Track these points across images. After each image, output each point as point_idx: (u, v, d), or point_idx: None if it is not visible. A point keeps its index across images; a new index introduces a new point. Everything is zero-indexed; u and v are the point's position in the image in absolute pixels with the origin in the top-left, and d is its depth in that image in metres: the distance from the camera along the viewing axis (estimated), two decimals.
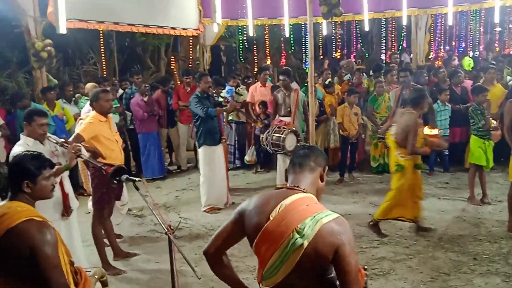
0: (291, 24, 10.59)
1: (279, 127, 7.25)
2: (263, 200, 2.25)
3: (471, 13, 17.62)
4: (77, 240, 4.72)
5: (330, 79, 9.28)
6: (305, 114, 7.51)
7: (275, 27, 13.62)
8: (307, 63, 9.56)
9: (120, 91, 9.38)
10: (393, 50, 16.66)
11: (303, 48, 16.14)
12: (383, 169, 8.36)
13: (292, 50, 16.47)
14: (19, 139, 4.36)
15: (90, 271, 3.10)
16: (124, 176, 3.81)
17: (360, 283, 2.18)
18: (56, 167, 3.56)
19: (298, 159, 2.33)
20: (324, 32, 12.40)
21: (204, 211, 6.82)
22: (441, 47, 18.47)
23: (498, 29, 18.59)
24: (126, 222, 6.41)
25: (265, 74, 9.07)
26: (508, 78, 9.59)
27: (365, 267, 2.52)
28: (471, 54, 18.00)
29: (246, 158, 8.72)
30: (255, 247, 2.20)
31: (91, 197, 5.39)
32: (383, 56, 17.31)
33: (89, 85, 7.71)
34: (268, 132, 7.31)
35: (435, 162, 8.30)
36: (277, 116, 7.59)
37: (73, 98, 8.33)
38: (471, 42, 19.56)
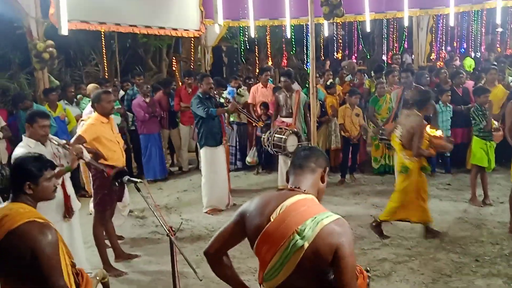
0: (293, 25, 10.61)
1: (280, 128, 7.25)
2: (263, 201, 2.25)
3: (473, 13, 17.61)
4: (78, 242, 4.74)
5: (331, 80, 9.28)
6: (306, 115, 7.50)
7: (277, 28, 13.62)
8: (308, 64, 9.58)
9: (122, 92, 9.38)
10: (395, 51, 16.67)
11: (305, 49, 16.16)
12: (384, 170, 8.37)
13: (294, 51, 16.49)
14: (21, 140, 4.37)
15: (91, 273, 3.10)
16: (126, 178, 3.82)
17: (356, 285, 2.17)
18: (58, 168, 3.56)
19: (298, 160, 2.33)
20: (326, 33, 12.42)
21: (206, 212, 6.82)
22: (443, 48, 18.48)
23: (499, 29, 18.60)
24: (127, 224, 6.42)
25: (266, 75, 9.07)
26: (510, 79, 9.58)
27: (368, 268, 2.52)
28: (472, 54, 18.00)
29: (248, 159, 8.72)
30: (256, 249, 2.21)
31: (92, 199, 5.40)
32: (384, 57, 17.31)
33: (91, 86, 7.72)
34: (270, 132, 7.31)
35: (437, 163, 8.29)
36: (278, 117, 7.60)
37: (75, 99, 8.34)
38: (472, 42, 19.56)
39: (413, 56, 12.22)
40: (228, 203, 7.00)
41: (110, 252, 5.22)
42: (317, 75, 8.46)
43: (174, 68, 14.66)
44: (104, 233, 5.24)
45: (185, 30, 9.99)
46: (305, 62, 16.31)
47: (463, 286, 4.49)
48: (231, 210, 6.76)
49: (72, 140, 4.86)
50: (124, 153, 5.35)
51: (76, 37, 11.06)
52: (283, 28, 11.48)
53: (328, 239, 2.06)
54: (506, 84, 8.82)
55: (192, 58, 13.93)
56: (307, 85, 8.08)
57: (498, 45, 18.64)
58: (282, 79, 7.77)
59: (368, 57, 18.16)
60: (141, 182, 3.68)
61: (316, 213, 2.13)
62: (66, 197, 4.45)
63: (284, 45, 15.99)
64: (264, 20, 10.32)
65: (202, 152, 6.90)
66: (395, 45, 17.67)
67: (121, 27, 8.81)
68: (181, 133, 9.17)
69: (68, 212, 4.47)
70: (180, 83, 12.46)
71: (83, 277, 2.85)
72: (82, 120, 5.79)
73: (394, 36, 17.60)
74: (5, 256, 2.52)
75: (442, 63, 14.34)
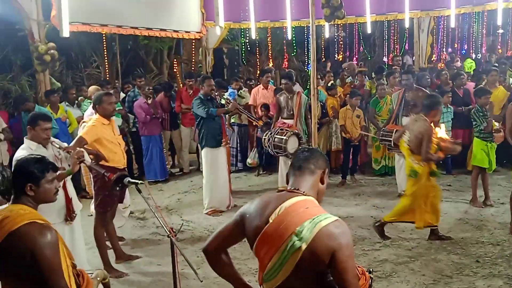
0: (294, 26, 10.60)
1: (281, 129, 7.26)
2: (263, 203, 2.26)
3: (474, 15, 17.62)
4: (80, 243, 4.75)
5: (332, 82, 9.28)
6: (307, 116, 7.51)
7: (278, 30, 13.64)
8: (309, 66, 9.58)
9: (122, 94, 9.40)
10: (396, 53, 16.67)
11: (306, 51, 16.16)
12: (385, 172, 8.37)
13: (295, 53, 16.49)
14: (24, 142, 4.39)
15: (92, 273, 3.11)
16: (127, 179, 3.83)
17: (359, 286, 2.17)
18: (59, 172, 3.57)
19: (298, 162, 2.34)
20: (327, 34, 12.44)
21: (207, 213, 6.83)
22: (444, 49, 18.48)
23: (500, 31, 18.60)
24: (128, 225, 6.43)
25: (267, 77, 9.08)
26: (511, 80, 9.58)
27: (371, 269, 2.52)
28: (473, 56, 18.00)
29: (248, 160, 8.73)
30: (255, 250, 2.21)
31: (93, 200, 5.41)
32: (385, 59, 17.33)
33: (92, 88, 7.73)
34: (271, 133, 7.32)
35: (438, 164, 8.26)
36: (280, 118, 7.60)
37: (76, 101, 8.36)
38: (473, 44, 19.57)
39: (414, 57, 12.20)
40: (229, 204, 7.00)
41: (110, 253, 5.23)
42: (318, 77, 8.47)
43: (175, 70, 14.67)
44: (105, 234, 5.24)
45: (186, 32, 10.00)
46: (306, 63, 16.31)
47: (463, 287, 4.49)
48: (231, 211, 6.77)
49: (73, 142, 4.89)
50: (125, 155, 5.37)
51: (78, 39, 11.08)
52: (284, 30, 11.51)
53: (326, 241, 2.06)
54: (507, 86, 8.83)
55: (193, 60, 13.95)
56: (308, 87, 8.09)
57: (499, 47, 18.64)
58: (283, 81, 7.78)
59: (369, 58, 18.17)
60: (142, 183, 3.69)
61: (314, 215, 2.13)
62: (68, 199, 4.47)
63: (285, 47, 15.99)
64: (265, 22, 10.33)
65: (203, 153, 6.91)
66: (396, 46, 17.70)
67: (122, 29, 8.82)
68: (182, 134, 9.18)
69: (69, 214, 4.48)
70: (181, 85, 12.47)
71: (84, 278, 2.85)
72: (83, 121, 5.81)
73: (395, 37, 17.63)
74: (5, 257, 2.53)
75: (443, 65, 14.35)
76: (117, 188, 3.93)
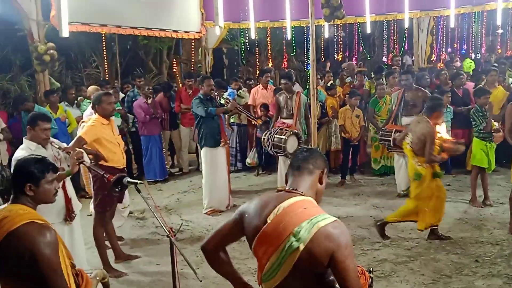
0: (293, 26, 10.60)
1: (281, 129, 7.26)
2: (262, 203, 2.26)
3: (473, 15, 17.63)
4: (79, 243, 4.74)
5: (332, 82, 9.28)
6: (307, 116, 7.51)
7: (277, 30, 13.63)
8: (309, 66, 9.58)
9: (122, 94, 9.40)
10: (395, 53, 16.68)
11: (305, 51, 16.15)
12: (384, 171, 8.37)
13: (294, 53, 16.48)
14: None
15: (91, 273, 3.10)
16: (126, 179, 3.82)
17: (361, 286, 2.17)
18: (59, 172, 3.57)
19: (296, 162, 2.33)
20: (326, 34, 12.44)
21: (206, 213, 6.83)
22: (443, 49, 18.49)
23: (500, 31, 18.61)
24: (127, 225, 6.43)
25: (266, 77, 9.08)
26: (510, 80, 9.59)
27: (371, 269, 2.52)
28: (473, 56, 18.02)
29: (248, 160, 8.73)
30: (254, 250, 2.22)
31: (92, 200, 5.41)
32: (385, 59, 17.33)
33: (91, 88, 7.74)
34: (270, 133, 7.32)
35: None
36: (279, 118, 7.61)
37: (75, 101, 8.36)
38: (473, 44, 19.58)
39: (413, 57, 12.21)
40: (228, 204, 7.01)
41: (110, 253, 5.23)
42: (318, 77, 8.47)
43: (174, 70, 14.68)
44: (104, 234, 5.24)
45: (186, 32, 10.00)
46: (305, 63, 16.31)
47: (463, 286, 4.49)
48: (231, 211, 6.76)
49: (72, 142, 4.88)
50: (125, 155, 5.37)
51: (77, 39, 11.08)
52: (284, 30, 11.48)
53: (324, 242, 2.05)
54: (506, 86, 8.83)
55: (192, 60, 13.95)
56: (307, 87, 8.09)
57: (498, 47, 18.66)
58: (282, 81, 7.78)
59: (369, 58, 18.17)
60: (141, 183, 3.69)
61: (312, 215, 2.12)
62: (67, 199, 4.46)
63: (284, 47, 15.99)
64: (264, 22, 10.33)
65: (203, 152, 6.91)
66: (396, 46, 17.70)
67: (121, 29, 8.82)
68: (182, 134, 9.18)
69: (69, 215, 4.48)
70: (180, 85, 12.48)
71: (83, 277, 2.85)
72: (82, 121, 5.81)
73: (394, 37, 17.63)
74: (5, 257, 2.53)
75: (442, 65, 14.35)
76: (117, 190, 3.93)
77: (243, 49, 15.88)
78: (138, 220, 6.69)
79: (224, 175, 6.99)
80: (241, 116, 8.95)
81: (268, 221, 2.16)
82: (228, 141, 7.51)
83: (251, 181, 8.56)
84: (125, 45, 14.03)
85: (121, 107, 8.39)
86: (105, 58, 12.86)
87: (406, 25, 10.50)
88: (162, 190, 8.16)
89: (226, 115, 8.06)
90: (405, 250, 5.33)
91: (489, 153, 6.61)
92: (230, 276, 2.47)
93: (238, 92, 9.36)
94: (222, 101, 7.35)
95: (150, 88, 8.72)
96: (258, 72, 13.67)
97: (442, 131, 5.59)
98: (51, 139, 4.49)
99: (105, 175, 4.22)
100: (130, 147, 8.82)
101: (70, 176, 4.52)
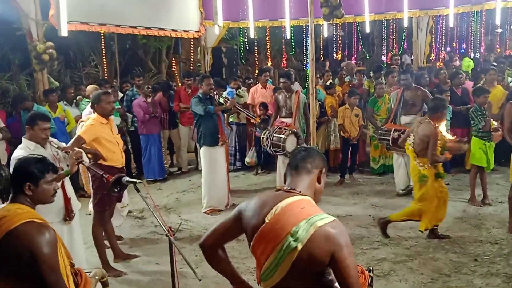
0: (292, 26, 10.60)
1: (280, 128, 7.26)
2: (261, 202, 2.26)
3: (472, 14, 17.63)
4: (78, 242, 4.74)
5: (331, 81, 9.28)
6: (306, 115, 7.51)
7: (276, 29, 13.61)
8: (308, 65, 9.57)
9: (121, 94, 9.39)
10: (394, 52, 16.67)
11: (304, 50, 16.12)
12: (383, 171, 8.37)
13: (293, 52, 16.45)
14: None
15: (90, 272, 3.11)
16: (125, 178, 3.82)
17: (362, 286, 2.17)
18: (59, 172, 3.57)
19: (295, 161, 2.33)
20: (325, 34, 12.42)
21: (205, 212, 6.83)
22: (442, 49, 18.49)
23: (499, 30, 18.63)
24: (126, 224, 6.43)
25: (265, 76, 9.08)
26: (509, 79, 9.59)
27: (371, 268, 2.52)
28: (472, 55, 18.03)
29: (247, 159, 8.73)
30: (252, 249, 2.22)
31: (91, 199, 5.40)
32: (384, 58, 17.32)
33: (90, 87, 7.73)
34: (269, 132, 7.32)
35: None
36: (278, 117, 7.61)
37: (74, 100, 8.35)
38: (472, 43, 19.58)
39: (412, 56, 12.23)
40: (227, 203, 7.01)
41: (109, 253, 5.23)
42: (317, 76, 8.47)
43: (173, 69, 14.66)
44: (103, 233, 5.24)
45: (185, 31, 10.00)
46: (304, 63, 16.28)
47: (462, 285, 4.49)
48: (230, 210, 6.67)
49: (71, 141, 4.88)
50: (124, 154, 5.36)
51: (76, 38, 11.06)
52: (283, 29, 11.47)
53: (324, 242, 2.05)
54: (505, 85, 8.84)
55: (191, 59, 13.93)
56: (307, 86, 8.09)
57: (497, 46, 18.68)
58: (282, 80, 7.78)
59: (368, 57, 18.15)
60: (140, 182, 3.69)
61: (310, 215, 2.12)
62: (66, 199, 4.46)
63: (283, 46, 15.96)
64: (263, 21, 10.32)
65: (202, 152, 6.92)
66: (395, 46, 17.67)
67: (121, 28, 8.81)
68: (181, 133, 9.18)
69: (68, 214, 4.47)
70: (179, 84, 12.47)
71: (82, 276, 2.85)
72: (81, 121, 5.80)
73: (393, 37, 17.60)
74: (3, 256, 2.53)
75: (441, 64, 14.36)
76: (116, 190, 3.93)
77: (242, 48, 15.85)
78: (137, 220, 6.69)
79: (223, 174, 6.99)
80: (240, 115, 8.94)
81: (266, 220, 2.16)
82: (227, 140, 7.51)
83: (250, 180, 8.56)
84: (124, 44, 14.01)
85: (120, 106, 8.39)
86: (104, 57, 12.83)
87: (405, 24, 10.51)
88: (161, 189, 8.16)
89: (225, 114, 8.06)
90: (404, 249, 5.33)
91: (488, 152, 6.61)
92: (228, 274, 2.47)
93: (237, 91, 9.36)
94: (221, 100, 7.35)
95: (149, 87, 8.72)
96: (257, 71, 13.66)
97: (442, 130, 5.58)
98: (50, 138, 4.48)
99: (104, 175, 4.21)
100: (129, 146, 8.82)
101: (69, 176, 4.53)
